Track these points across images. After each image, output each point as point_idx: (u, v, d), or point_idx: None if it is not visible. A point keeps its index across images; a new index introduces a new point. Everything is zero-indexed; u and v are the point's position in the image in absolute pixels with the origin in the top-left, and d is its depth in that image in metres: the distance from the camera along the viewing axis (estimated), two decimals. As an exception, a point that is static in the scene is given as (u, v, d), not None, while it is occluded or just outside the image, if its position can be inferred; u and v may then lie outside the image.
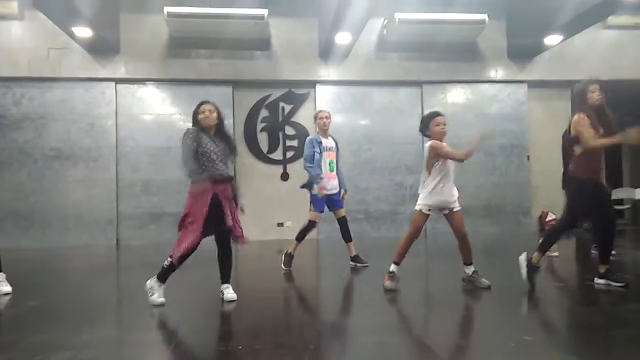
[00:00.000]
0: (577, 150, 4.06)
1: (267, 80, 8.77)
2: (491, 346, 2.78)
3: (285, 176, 8.96)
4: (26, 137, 8.24)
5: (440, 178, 4.00)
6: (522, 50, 8.95)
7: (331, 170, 5.31)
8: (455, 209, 4.10)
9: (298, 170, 8.35)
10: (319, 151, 5.23)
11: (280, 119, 8.97)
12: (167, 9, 7.71)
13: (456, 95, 9.22)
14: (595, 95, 3.99)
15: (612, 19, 8.81)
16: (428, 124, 4.10)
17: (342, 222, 5.41)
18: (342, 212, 5.40)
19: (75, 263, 6.65)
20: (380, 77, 8.95)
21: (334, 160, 5.37)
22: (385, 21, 8.60)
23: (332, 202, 5.37)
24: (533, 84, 9.25)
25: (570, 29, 8.04)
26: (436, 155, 3.97)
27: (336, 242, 8.19)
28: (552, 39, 8.35)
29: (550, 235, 4.33)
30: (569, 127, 4.13)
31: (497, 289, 4.04)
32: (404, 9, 8.22)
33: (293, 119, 8.99)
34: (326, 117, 5.37)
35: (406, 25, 8.27)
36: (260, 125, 8.94)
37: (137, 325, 3.40)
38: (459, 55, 8.99)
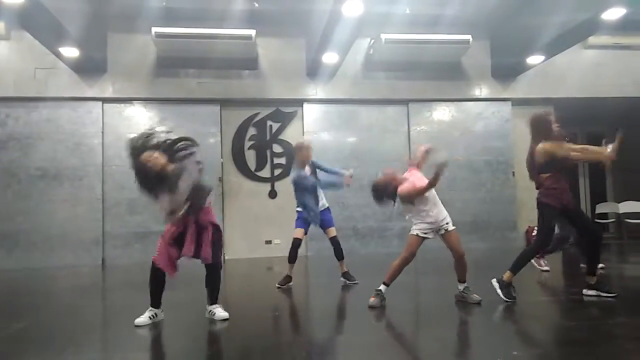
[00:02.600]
0: (545, 175, 4.28)
1: (255, 99, 8.82)
2: (480, 362, 2.79)
3: (273, 194, 8.96)
4: (11, 157, 8.15)
5: (428, 203, 4.10)
6: (506, 70, 9.14)
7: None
8: (450, 229, 4.15)
9: (286, 188, 8.36)
10: (313, 180, 5.27)
11: (268, 137, 9.01)
12: (154, 29, 7.76)
13: (442, 113, 9.35)
14: (556, 126, 4.34)
15: (592, 39, 9.04)
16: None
17: (334, 242, 5.41)
18: (332, 231, 5.42)
19: (61, 283, 6.54)
20: (367, 95, 9.05)
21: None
22: (372, 41, 8.75)
23: (322, 221, 5.38)
24: (517, 102, 9.43)
25: (552, 49, 8.24)
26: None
27: (325, 259, 8.16)
28: (535, 59, 8.56)
29: (522, 257, 4.33)
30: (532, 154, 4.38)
31: (485, 304, 4.06)
32: (389, 30, 8.37)
33: (281, 137, 9.03)
34: (310, 148, 5.40)
35: (392, 46, 8.41)
36: (248, 144, 8.97)
37: (123, 346, 3.35)
38: (444, 74, 9.16)
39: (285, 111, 9.06)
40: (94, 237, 8.24)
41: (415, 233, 4.14)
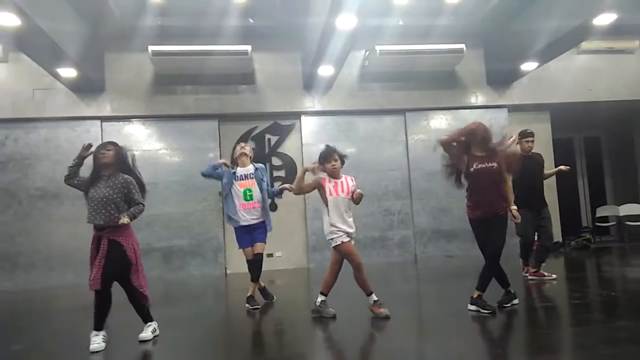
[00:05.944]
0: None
1: (253, 113, 8.87)
2: (483, 370, 2.78)
3: (273, 207, 8.95)
4: (11, 178, 8.17)
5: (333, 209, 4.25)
6: (501, 77, 9.20)
7: (248, 200, 5.01)
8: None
9: (286, 201, 8.37)
10: (228, 182, 5.05)
11: (267, 150, 9.04)
12: (151, 48, 7.83)
13: (439, 122, 9.39)
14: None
15: (585, 45, 9.12)
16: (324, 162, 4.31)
17: (259, 259, 5.04)
18: (259, 247, 5.02)
19: (61, 304, 6.52)
20: (364, 106, 9.10)
21: (252, 189, 5.05)
22: (367, 53, 8.82)
23: (253, 235, 5.05)
24: (513, 109, 9.47)
25: (545, 56, 8.30)
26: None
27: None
28: (529, 66, 8.62)
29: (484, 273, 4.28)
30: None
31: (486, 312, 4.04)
32: (384, 41, 8.44)
33: (279, 150, 9.06)
34: (245, 155, 5.18)
35: (387, 57, 8.48)
36: (246, 158, 8.97)
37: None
38: (439, 83, 9.21)
39: (283, 124, 9.10)
40: (95, 255, 8.21)
41: (341, 241, 4.23)
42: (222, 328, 4.55)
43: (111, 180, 3.75)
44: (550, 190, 9.52)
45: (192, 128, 8.71)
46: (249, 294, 5.04)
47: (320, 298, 4.31)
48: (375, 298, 4.13)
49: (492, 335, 3.64)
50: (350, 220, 4.30)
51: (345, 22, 6.49)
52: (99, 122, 8.46)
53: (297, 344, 3.83)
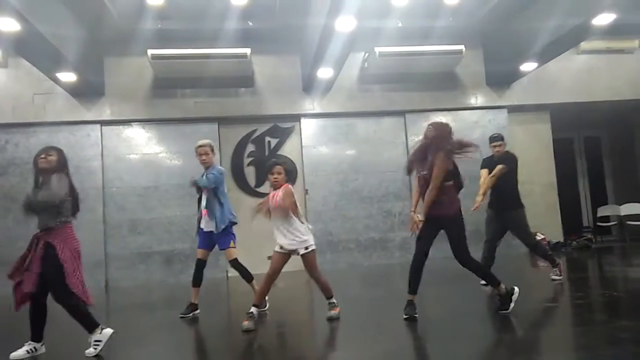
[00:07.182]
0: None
1: (253, 115, 8.88)
2: (486, 372, 2.77)
3: (274, 210, 8.97)
4: (12, 183, 8.17)
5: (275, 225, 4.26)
6: (500, 77, 9.21)
7: (204, 207, 4.91)
8: (301, 253, 4.24)
9: (286, 204, 8.37)
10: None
11: (267, 153, 9.04)
12: (150, 52, 7.84)
13: (439, 123, 9.37)
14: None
15: (584, 45, 9.13)
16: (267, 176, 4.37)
17: (234, 264, 5.00)
18: (229, 254, 4.96)
19: (62, 308, 6.50)
20: (363, 108, 9.11)
21: (204, 196, 4.91)
22: (366, 55, 8.83)
23: (216, 241, 4.96)
24: (513, 109, 9.47)
25: (545, 56, 8.31)
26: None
27: (335, 273, 8.15)
28: (528, 66, 8.62)
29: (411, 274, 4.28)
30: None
31: (488, 313, 4.04)
32: (383, 43, 8.45)
33: (279, 153, 9.06)
34: (205, 154, 4.88)
35: (386, 58, 8.49)
36: (247, 160, 8.99)
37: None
38: (439, 84, 9.22)
39: (282, 127, 9.10)
40: (96, 259, 8.19)
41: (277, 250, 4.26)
42: (225, 330, 4.54)
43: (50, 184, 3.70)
44: (551, 190, 9.56)
45: (192, 131, 8.69)
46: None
47: (329, 301, 4.33)
48: (250, 311, 4.09)
49: (494, 336, 3.63)
50: (288, 232, 4.24)
51: (345, 24, 6.50)
52: (98, 126, 8.48)
53: (299, 346, 3.82)
